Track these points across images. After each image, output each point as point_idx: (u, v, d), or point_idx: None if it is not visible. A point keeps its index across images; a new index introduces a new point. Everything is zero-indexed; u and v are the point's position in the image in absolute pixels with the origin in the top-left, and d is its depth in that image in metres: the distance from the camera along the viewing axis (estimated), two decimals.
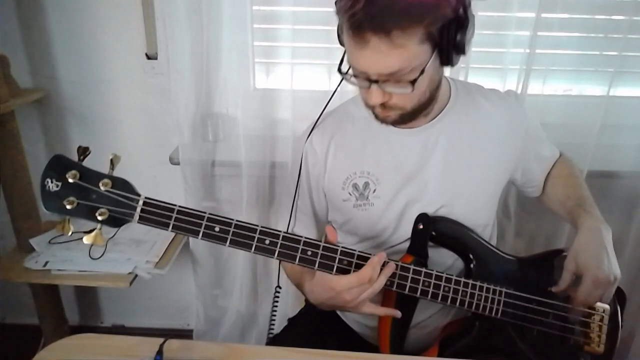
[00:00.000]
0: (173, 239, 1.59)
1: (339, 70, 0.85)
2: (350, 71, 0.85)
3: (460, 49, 0.80)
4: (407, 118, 0.89)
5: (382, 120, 0.91)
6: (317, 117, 1.02)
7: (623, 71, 1.43)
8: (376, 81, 0.80)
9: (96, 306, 1.92)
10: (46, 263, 1.45)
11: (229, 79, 1.47)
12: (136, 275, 1.44)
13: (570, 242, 0.95)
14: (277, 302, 1.06)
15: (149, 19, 1.45)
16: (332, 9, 1.33)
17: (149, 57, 1.50)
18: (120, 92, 1.55)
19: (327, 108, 1.03)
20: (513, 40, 1.38)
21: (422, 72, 0.79)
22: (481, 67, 1.44)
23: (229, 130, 1.55)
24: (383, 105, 0.85)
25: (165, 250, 1.53)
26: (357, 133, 0.98)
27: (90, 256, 1.46)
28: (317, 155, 0.99)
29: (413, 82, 0.79)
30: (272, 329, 1.06)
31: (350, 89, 1.36)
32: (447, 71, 1.36)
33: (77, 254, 1.47)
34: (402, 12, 0.73)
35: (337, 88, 1.03)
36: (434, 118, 0.96)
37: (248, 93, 1.53)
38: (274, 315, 1.06)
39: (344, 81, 1.01)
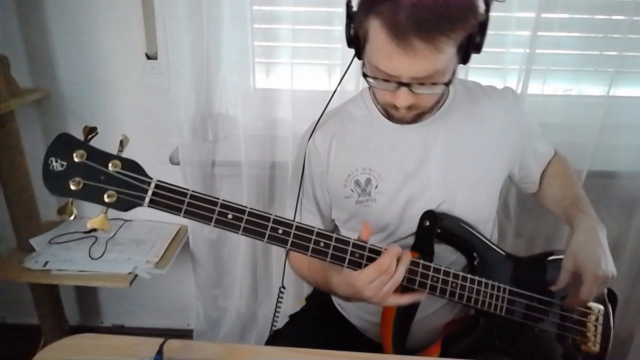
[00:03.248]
0: (173, 238, 1.60)
1: (364, 74, 0.84)
2: (372, 73, 0.83)
3: (479, 49, 0.81)
4: (422, 115, 0.90)
5: (398, 120, 0.91)
6: (318, 117, 1.03)
7: (623, 71, 1.42)
8: (408, 84, 0.79)
9: (96, 306, 1.92)
10: (46, 263, 1.45)
11: (229, 79, 1.47)
12: (136, 275, 1.44)
13: (569, 241, 0.95)
14: (280, 302, 1.06)
15: (149, 19, 1.45)
16: (332, 9, 1.34)
17: (149, 57, 1.50)
18: (120, 92, 1.55)
19: (328, 108, 1.03)
20: (513, 40, 1.38)
21: (453, 73, 0.81)
22: (481, 67, 1.44)
23: (229, 130, 1.55)
24: (409, 107, 0.84)
25: (165, 250, 1.53)
26: (358, 131, 0.99)
27: (90, 256, 1.46)
28: (319, 155, 1.00)
29: (447, 84, 0.81)
30: (274, 328, 1.06)
31: (350, 89, 1.37)
32: None
33: (77, 254, 1.47)
34: (447, 17, 0.73)
35: (337, 87, 1.04)
36: (434, 114, 0.96)
37: (248, 93, 1.53)
38: (277, 316, 1.05)
39: (343, 82, 1.03)
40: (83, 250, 1.48)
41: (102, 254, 1.47)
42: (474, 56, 1.38)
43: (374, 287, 0.80)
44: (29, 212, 1.53)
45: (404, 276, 0.85)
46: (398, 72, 0.78)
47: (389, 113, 0.91)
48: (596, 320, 0.98)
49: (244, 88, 1.50)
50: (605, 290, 1.01)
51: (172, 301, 1.88)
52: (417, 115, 0.89)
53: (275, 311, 1.06)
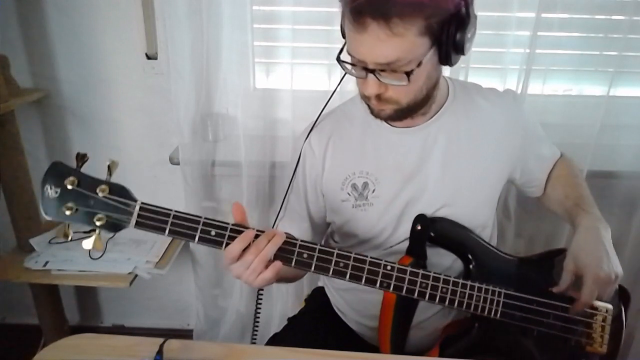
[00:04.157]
0: (173, 239, 1.60)
1: (338, 58, 0.85)
2: (349, 60, 0.84)
3: (460, 48, 0.80)
4: (401, 114, 0.88)
5: (377, 115, 0.90)
6: (316, 118, 1.02)
7: (623, 71, 1.43)
8: (373, 71, 0.80)
9: (96, 306, 1.92)
10: (46, 263, 1.45)
11: (229, 79, 1.47)
12: (136, 275, 1.44)
13: (570, 242, 0.95)
14: (260, 304, 1.04)
15: (149, 19, 1.45)
16: (332, 9, 1.34)
17: (149, 57, 1.50)
18: (120, 92, 1.55)
19: (326, 108, 1.03)
20: (513, 40, 1.38)
21: (419, 64, 0.79)
22: (481, 67, 1.44)
23: (229, 130, 1.55)
24: (378, 98, 0.84)
25: (165, 250, 1.53)
26: (355, 133, 0.98)
27: (90, 256, 1.46)
28: (315, 156, 0.99)
29: (409, 74, 0.79)
30: (256, 332, 1.04)
31: (350, 89, 1.37)
32: (447, 71, 1.38)
33: (77, 254, 1.47)
34: (403, 0, 0.74)
35: (336, 88, 1.03)
36: (432, 117, 0.96)
37: (248, 93, 1.53)
38: (258, 317, 1.04)
39: (343, 82, 1.03)
40: (83, 250, 1.48)
41: (102, 254, 1.46)
42: (474, 56, 1.39)
43: (238, 270, 0.78)
44: (29, 212, 1.53)
45: (391, 283, 0.84)
46: (360, 55, 0.80)
47: (370, 107, 0.91)
48: (603, 320, 0.95)
49: (244, 88, 1.50)
50: (617, 287, 0.97)
51: (172, 301, 1.88)
52: (395, 112, 0.87)
53: (256, 313, 1.04)
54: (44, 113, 1.59)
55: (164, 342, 0.79)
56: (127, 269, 1.44)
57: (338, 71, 1.40)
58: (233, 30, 1.41)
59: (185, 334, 1.88)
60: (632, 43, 1.39)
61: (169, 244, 1.56)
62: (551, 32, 1.38)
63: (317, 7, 1.40)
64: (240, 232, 0.78)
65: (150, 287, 1.80)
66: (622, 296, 0.99)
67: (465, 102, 0.99)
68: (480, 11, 1.37)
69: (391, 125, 0.96)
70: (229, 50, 1.42)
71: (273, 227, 1.04)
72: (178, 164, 1.50)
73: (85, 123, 1.58)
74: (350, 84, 1.38)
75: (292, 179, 1.03)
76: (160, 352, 0.77)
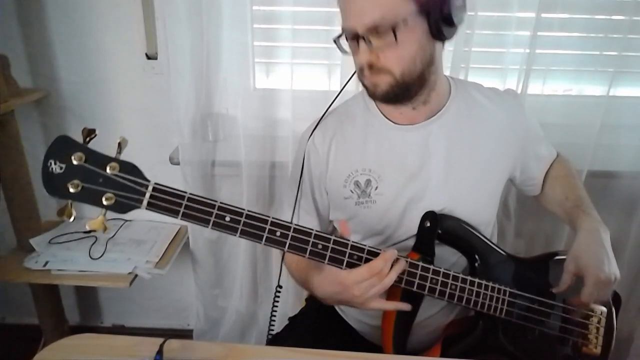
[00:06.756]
0: (173, 238, 1.60)
1: (335, 40, 0.88)
2: (343, 38, 0.88)
3: (449, 19, 0.82)
4: (398, 90, 0.88)
5: (373, 94, 0.90)
6: (319, 117, 1.03)
7: (623, 71, 1.43)
8: (363, 38, 0.83)
9: (96, 306, 1.92)
10: (46, 263, 1.45)
11: (229, 79, 1.47)
12: (136, 275, 1.44)
13: (570, 242, 0.95)
14: (277, 301, 1.06)
15: (149, 19, 1.45)
16: (332, 9, 1.34)
17: (149, 57, 1.50)
18: (120, 92, 1.55)
19: (329, 107, 1.03)
20: (513, 40, 1.38)
21: (404, 22, 0.81)
22: (481, 67, 1.44)
23: (229, 130, 1.55)
24: (371, 67, 0.85)
25: (165, 250, 1.53)
26: (358, 131, 0.99)
27: (90, 256, 1.46)
28: (319, 154, 1.00)
29: (394, 30, 0.81)
30: (272, 328, 1.06)
31: (350, 89, 1.37)
32: (447, 70, 1.38)
33: (77, 254, 1.47)
34: None
35: (343, 88, 1.04)
36: (434, 115, 0.96)
37: (248, 93, 1.53)
38: (274, 315, 1.05)
39: (342, 81, 1.03)
40: (83, 250, 1.48)
41: (102, 254, 1.47)
42: (474, 56, 1.39)
43: (363, 288, 0.80)
44: (29, 212, 1.53)
45: (403, 278, 0.85)
46: (349, 20, 0.83)
47: (366, 87, 0.91)
48: (598, 322, 0.97)
49: (244, 88, 1.50)
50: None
51: (172, 301, 1.88)
52: (390, 88, 0.87)
53: (272, 311, 1.05)
54: (44, 113, 1.59)
55: (164, 342, 0.79)
56: (127, 269, 1.43)
57: (338, 71, 1.42)
58: (233, 30, 1.41)
59: (185, 334, 1.88)
60: (632, 43, 1.39)
61: (169, 244, 1.56)
62: (551, 32, 1.38)
63: (317, 7, 1.41)
64: (255, 219, 0.77)
65: (150, 287, 1.80)
66: (614, 299, 1.00)
67: (467, 101, 0.99)
68: (480, 11, 1.38)
69: (393, 122, 0.96)
70: (229, 50, 1.42)
71: None
72: (178, 164, 1.50)
73: (85, 123, 1.54)
74: (350, 85, 1.38)
75: (299, 184, 1.03)
76: (160, 352, 0.77)
